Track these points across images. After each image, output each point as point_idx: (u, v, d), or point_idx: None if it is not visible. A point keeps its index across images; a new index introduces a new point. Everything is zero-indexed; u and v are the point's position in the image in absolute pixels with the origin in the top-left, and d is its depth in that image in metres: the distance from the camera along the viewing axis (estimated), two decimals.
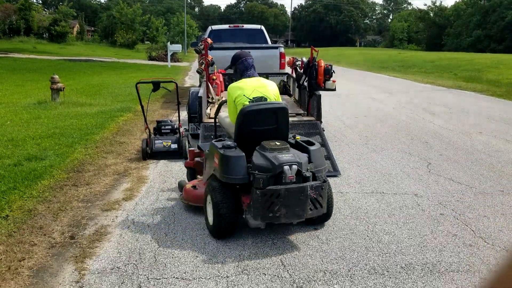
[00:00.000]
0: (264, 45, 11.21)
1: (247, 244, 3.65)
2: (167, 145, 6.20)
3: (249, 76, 4.19)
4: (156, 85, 5.68)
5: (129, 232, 3.86)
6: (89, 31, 58.56)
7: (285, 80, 9.51)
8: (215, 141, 3.85)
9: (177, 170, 5.77)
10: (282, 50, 10.43)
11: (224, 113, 4.66)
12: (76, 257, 3.40)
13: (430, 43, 60.52)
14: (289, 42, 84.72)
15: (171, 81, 6.05)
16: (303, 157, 3.62)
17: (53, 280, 3.08)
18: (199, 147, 4.68)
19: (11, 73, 19.37)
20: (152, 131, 6.62)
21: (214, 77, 8.07)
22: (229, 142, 3.69)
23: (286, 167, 3.44)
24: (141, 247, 3.57)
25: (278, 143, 3.70)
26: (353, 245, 3.64)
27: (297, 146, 3.91)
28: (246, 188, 3.62)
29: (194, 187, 4.25)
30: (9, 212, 4.19)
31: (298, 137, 4.07)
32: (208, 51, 7.58)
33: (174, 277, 3.13)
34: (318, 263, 3.34)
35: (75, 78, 17.72)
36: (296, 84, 8.01)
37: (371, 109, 11.11)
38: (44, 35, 46.38)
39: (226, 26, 12.38)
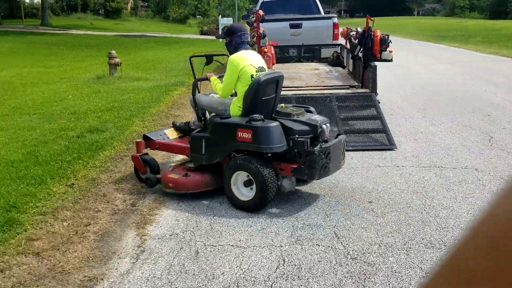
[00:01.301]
0: (316, 15, 10.96)
1: (300, 216, 3.68)
2: None
3: (245, 49, 4.16)
4: (209, 58, 5.71)
5: (186, 201, 3.98)
6: (143, 6, 59.59)
7: (338, 51, 9.30)
8: (220, 119, 3.90)
9: None
10: (336, 20, 10.17)
11: (201, 94, 4.54)
12: (138, 223, 3.57)
13: (494, 10, 56.74)
14: (342, 12, 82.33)
15: (223, 54, 6.07)
16: (323, 116, 4.01)
17: (117, 244, 3.26)
18: (145, 137, 4.61)
19: (70, 49, 20.18)
20: None
21: (266, 50, 8.01)
22: (256, 115, 3.68)
23: (324, 126, 3.78)
24: (197, 215, 3.69)
25: (294, 109, 4.00)
26: (409, 219, 3.58)
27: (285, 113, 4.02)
28: (278, 156, 3.79)
29: (186, 174, 4.02)
30: (74, 181, 4.44)
31: (282, 104, 4.27)
32: (260, 23, 7.52)
33: (229, 244, 3.22)
34: (373, 236, 3.31)
35: (130, 54, 18.21)
36: (350, 55, 7.82)
37: (429, 80, 10.67)
38: (100, 11, 47.72)
39: None
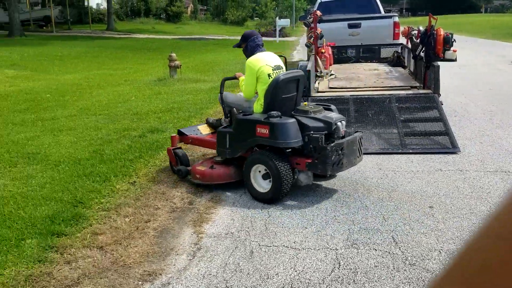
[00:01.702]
0: (376, 15, 10.71)
1: (357, 219, 3.61)
2: None
3: (261, 51, 4.39)
4: None
5: (241, 201, 4.03)
6: (202, 10, 60.94)
7: (399, 51, 9.03)
8: (243, 116, 4.15)
9: None
10: (396, 19, 9.89)
11: (228, 92, 4.80)
12: (195, 221, 3.65)
13: None
14: (404, 10, 79.83)
15: (280, 55, 6.08)
16: (340, 114, 4.20)
17: (175, 241, 3.35)
18: (180, 132, 4.92)
19: (134, 52, 21.01)
20: None
21: (323, 50, 7.94)
22: (273, 112, 3.91)
23: (339, 124, 3.95)
24: (252, 215, 3.72)
25: (312, 106, 4.16)
26: (473, 226, 3.41)
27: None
28: (296, 151, 4.02)
29: (212, 167, 4.27)
30: (136, 178, 4.62)
31: (305, 103, 4.35)
32: (317, 24, 7.46)
33: (284, 245, 3.22)
34: (433, 242, 3.19)
35: (190, 56, 18.68)
36: (412, 55, 7.57)
37: (496, 81, 10.11)
38: (161, 16, 49.32)
39: None
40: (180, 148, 4.84)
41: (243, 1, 50.81)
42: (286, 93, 4.14)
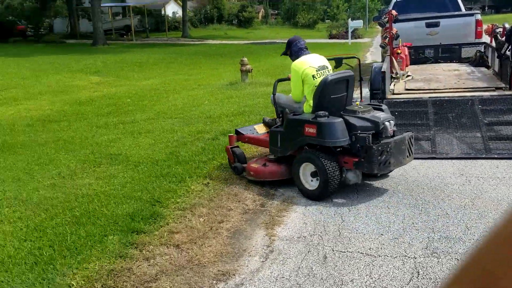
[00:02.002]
0: (456, 12, 10.16)
1: (437, 227, 3.42)
2: None
3: (305, 54, 4.49)
4: (338, 62, 5.65)
5: (313, 205, 3.98)
6: (273, 14, 61.42)
7: (482, 50, 8.49)
8: (293, 115, 4.31)
9: None
10: (479, 17, 9.32)
11: (280, 94, 4.90)
12: (266, 223, 3.66)
13: None
14: (486, 8, 75.17)
15: (354, 57, 5.95)
16: (388, 114, 4.22)
17: (247, 242, 3.38)
18: (237, 132, 5.12)
19: (207, 58, 21.64)
20: None
21: (399, 51, 7.66)
22: (320, 112, 3.99)
23: (387, 123, 3.97)
24: (325, 220, 3.66)
25: (361, 106, 4.20)
26: None
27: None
28: (345, 150, 4.10)
29: (265, 164, 4.46)
30: (209, 180, 4.73)
31: (357, 102, 4.40)
32: (393, 24, 7.22)
33: (358, 252, 3.13)
34: None
35: (260, 60, 18.88)
36: (496, 54, 7.08)
37: None
38: (233, 22, 50.37)
39: None
40: (237, 146, 5.01)
41: (314, 4, 50.57)
42: (335, 94, 4.22)
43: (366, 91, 8.40)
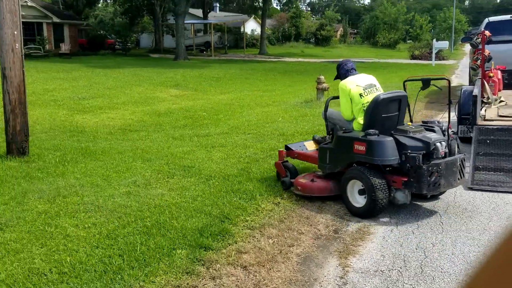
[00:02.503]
0: None
1: None
2: None
3: (353, 75, 4.60)
4: (426, 83, 5.29)
5: (393, 236, 3.67)
6: (352, 33, 60.76)
7: None
8: (343, 133, 4.33)
9: None
10: None
11: (331, 109, 5.00)
12: (340, 252, 3.42)
13: None
14: None
15: (444, 78, 5.56)
16: (440, 135, 4.20)
17: (319, 271, 3.16)
18: (287, 147, 5.22)
19: (283, 75, 21.71)
20: None
21: (491, 74, 7.10)
22: (371, 130, 4.00)
23: (438, 144, 3.94)
24: (405, 254, 3.35)
25: (413, 126, 4.18)
26: None
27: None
28: (394, 170, 4.07)
29: (312, 180, 4.47)
30: (280, 199, 4.57)
31: (409, 123, 4.38)
32: (485, 45, 6.70)
33: None
34: None
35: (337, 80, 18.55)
36: None
37: None
38: (310, 40, 50.42)
39: (507, 17, 10.78)
40: (287, 161, 5.11)
41: (396, 24, 49.32)
42: (386, 112, 4.24)
43: (453, 115, 7.87)
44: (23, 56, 6.76)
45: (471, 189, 4.71)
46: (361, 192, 4.06)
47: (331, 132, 4.66)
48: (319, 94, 11.74)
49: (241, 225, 3.97)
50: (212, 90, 15.55)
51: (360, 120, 4.33)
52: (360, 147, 4.02)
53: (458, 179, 4.10)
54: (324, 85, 11.65)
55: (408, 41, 50.93)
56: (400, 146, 3.93)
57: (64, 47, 30.21)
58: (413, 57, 32.15)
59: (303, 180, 4.55)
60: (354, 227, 3.88)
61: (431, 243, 3.49)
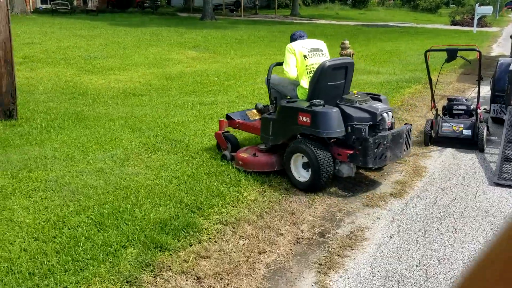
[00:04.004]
0: None
1: None
2: (457, 130, 4.91)
3: (302, 40, 4.33)
4: (451, 54, 4.44)
5: (391, 245, 2.99)
6: None
7: None
8: (287, 103, 4.03)
9: (467, 164, 4.48)
10: None
11: (275, 75, 4.62)
12: (321, 265, 2.77)
13: None
14: None
15: (473, 49, 4.66)
16: (387, 105, 3.97)
17: None
18: (228, 116, 4.87)
19: (310, 38, 20.55)
20: (441, 110, 5.41)
21: None
22: (316, 100, 3.75)
23: (385, 115, 3.73)
24: (401, 273, 2.67)
25: (359, 96, 3.96)
26: None
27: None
28: (339, 141, 3.86)
29: (254, 154, 4.19)
30: (267, 187, 3.92)
31: (355, 91, 4.18)
32: None
33: None
34: None
35: (368, 44, 17.36)
36: None
37: None
38: (347, 1, 48.10)
39: None
40: (228, 132, 4.78)
41: None
42: (332, 81, 3.99)
43: (486, 90, 6.90)
44: (10, 11, 6.22)
45: (497, 184, 3.93)
46: (305, 166, 3.83)
47: (274, 101, 4.38)
48: None
49: (214, 218, 3.37)
50: (232, 53, 14.74)
51: (304, 84, 4.08)
52: (305, 119, 3.76)
53: (404, 151, 3.92)
54: (349, 50, 10.70)
55: (451, 5, 48.01)
56: (345, 117, 3.74)
57: (91, 4, 29.74)
58: (454, 23, 30.03)
59: (244, 155, 4.25)
60: (346, 229, 3.20)
61: (437, 259, 2.79)
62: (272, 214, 3.43)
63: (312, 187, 3.78)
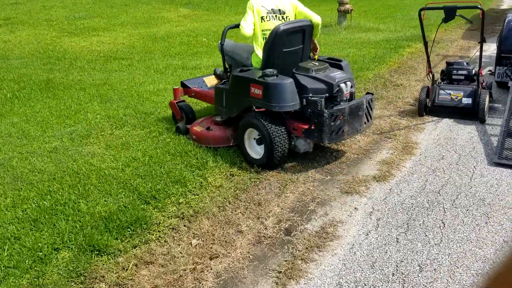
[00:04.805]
0: None
1: None
2: (456, 97, 4.38)
3: None
4: (449, 12, 3.85)
5: (365, 245, 2.56)
6: None
7: None
8: (239, 71, 3.62)
9: (465, 138, 3.99)
10: None
11: (230, 40, 4.18)
12: (280, 272, 2.36)
13: None
14: None
15: (475, 6, 4.04)
16: (346, 73, 3.54)
17: None
18: (183, 84, 4.48)
19: None
20: (440, 76, 4.85)
21: None
22: (269, 70, 3.39)
23: (343, 85, 3.39)
24: (374, 285, 2.25)
25: (316, 63, 3.57)
26: None
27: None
28: (295, 114, 3.52)
29: (208, 128, 3.87)
30: (237, 170, 3.47)
31: (316, 56, 3.89)
32: None
33: None
34: None
35: None
36: None
37: None
38: None
39: None
40: (183, 101, 4.41)
41: None
42: (288, 47, 3.55)
43: (493, 49, 6.28)
44: None
45: (498, 164, 3.45)
46: (259, 142, 3.50)
47: (228, 70, 3.98)
48: (341, 17, 10.10)
49: (169, 210, 2.96)
50: (227, 10, 13.94)
51: (258, 52, 3.63)
52: (257, 90, 3.41)
53: (365, 123, 3.56)
54: (347, 6, 9.96)
55: None
56: (300, 88, 3.37)
57: None
58: None
59: (198, 128, 3.95)
60: (317, 224, 2.77)
61: (418, 265, 2.37)
62: (236, 205, 3.01)
63: (266, 164, 3.46)
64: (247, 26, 3.61)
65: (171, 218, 2.87)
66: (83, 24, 11.15)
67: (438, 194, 3.06)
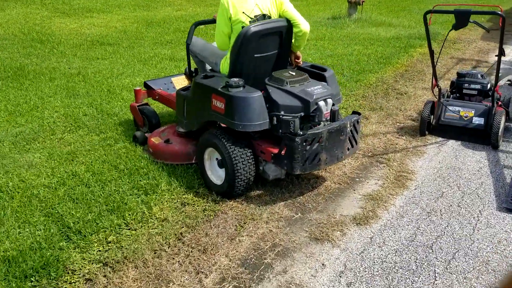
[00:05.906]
0: None
1: None
2: (465, 116, 3.71)
3: None
4: (461, 18, 3.16)
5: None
6: None
7: None
8: (202, 78, 3.01)
9: (472, 169, 3.33)
10: None
11: (198, 39, 3.52)
12: None
13: None
14: None
15: (494, 12, 3.31)
16: (329, 87, 2.94)
17: None
18: (146, 85, 3.91)
19: None
20: (449, 88, 4.16)
21: None
22: (235, 79, 2.78)
23: (322, 103, 2.79)
24: None
25: (293, 73, 2.95)
26: None
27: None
28: (262, 134, 2.93)
29: (168, 141, 3.32)
30: (193, 196, 2.88)
31: (300, 62, 3.25)
32: None
33: None
34: None
35: None
36: None
37: None
38: None
39: None
40: (146, 104, 3.86)
41: None
42: (261, 51, 2.95)
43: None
44: None
45: (509, 210, 2.80)
46: (220, 164, 2.95)
47: (194, 73, 3.41)
48: (351, 9, 9.35)
49: (93, 251, 2.39)
50: None
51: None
52: (219, 103, 2.81)
53: (348, 150, 2.92)
54: None
55: None
56: (271, 103, 2.76)
57: None
58: None
59: (156, 140, 3.38)
60: (270, 287, 2.17)
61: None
62: (175, 250, 2.42)
63: (227, 194, 2.90)
64: (223, 42, 2.98)
65: (92, 264, 2.31)
66: (78, 4, 10.57)
67: (430, 250, 2.43)
